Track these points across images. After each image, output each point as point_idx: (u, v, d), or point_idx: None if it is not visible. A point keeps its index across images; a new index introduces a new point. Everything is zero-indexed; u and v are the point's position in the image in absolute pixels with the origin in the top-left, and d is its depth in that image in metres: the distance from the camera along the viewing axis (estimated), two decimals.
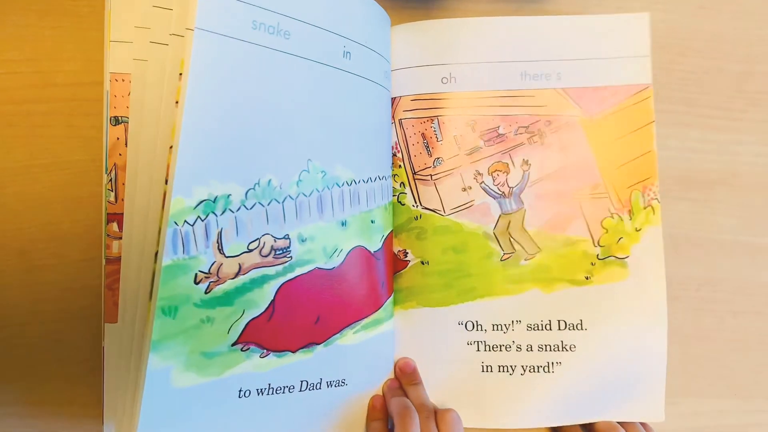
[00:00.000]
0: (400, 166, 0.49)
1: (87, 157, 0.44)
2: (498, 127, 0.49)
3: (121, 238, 0.40)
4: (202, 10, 0.34)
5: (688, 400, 0.50)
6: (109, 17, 0.40)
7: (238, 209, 0.37)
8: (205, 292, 0.36)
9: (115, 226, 0.40)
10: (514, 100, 0.49)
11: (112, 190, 0.40)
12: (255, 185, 0.38)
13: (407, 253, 0.49)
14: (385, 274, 0.47)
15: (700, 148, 0.52)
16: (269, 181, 0.38)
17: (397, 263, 0.49)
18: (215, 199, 0.36)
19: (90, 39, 0.44)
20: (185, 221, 0.35)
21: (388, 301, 0.47)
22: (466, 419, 0.45)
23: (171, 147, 0.34)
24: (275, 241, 0.39)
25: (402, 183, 0.49)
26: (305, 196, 0.40)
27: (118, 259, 0.39)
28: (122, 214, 0.39)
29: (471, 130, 0.49)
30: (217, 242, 0.36)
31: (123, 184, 0.40)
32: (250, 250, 0.38)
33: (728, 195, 0.52)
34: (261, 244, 0.38)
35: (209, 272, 0.36)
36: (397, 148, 0.49)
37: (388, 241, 0.48)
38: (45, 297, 0.43)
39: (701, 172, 0.52)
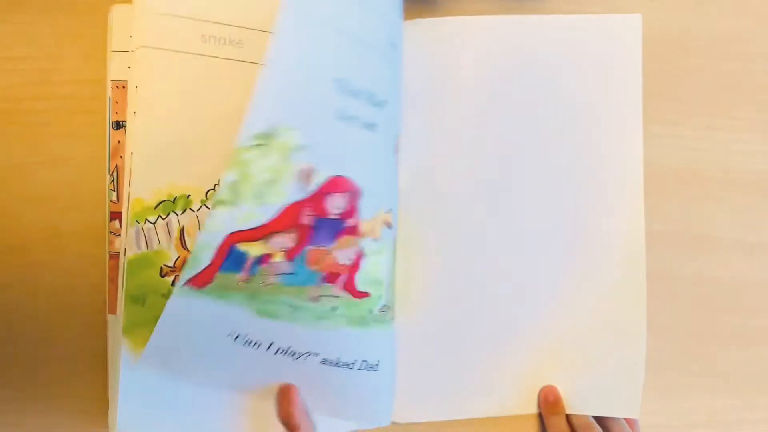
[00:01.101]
0: None
1: (87, 154, 0.44)
2: None
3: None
4: (150, 30, 0.37)
5: (682, 396, 0.48)
6: (111, 27, 0.43)
7: (199, 209, 0.40)
8: (172, 285, 0.39)
9: (117, 223, 0.43)
10: None
11: (114, 190, 0.44)
12: (215, 185, 0.40)
13: None
14: None
15: (695, 147, 0.50)
16: None
17: None
18: (174, 199, 0.39)
19: (90, 36, 0.44)
20: (146, 220, 0.38)
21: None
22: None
23: (131, 153, 0.38)
24: None
25: None
26: None
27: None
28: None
29: None
30: (180, 239, 0.40)
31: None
32: None
33: (724, 193, 0.50)
34: None
35: (174, 266, 0.39)
36: None
37: None
38: (45, 293, 0.44)
39: (697, 170, 0.50)
